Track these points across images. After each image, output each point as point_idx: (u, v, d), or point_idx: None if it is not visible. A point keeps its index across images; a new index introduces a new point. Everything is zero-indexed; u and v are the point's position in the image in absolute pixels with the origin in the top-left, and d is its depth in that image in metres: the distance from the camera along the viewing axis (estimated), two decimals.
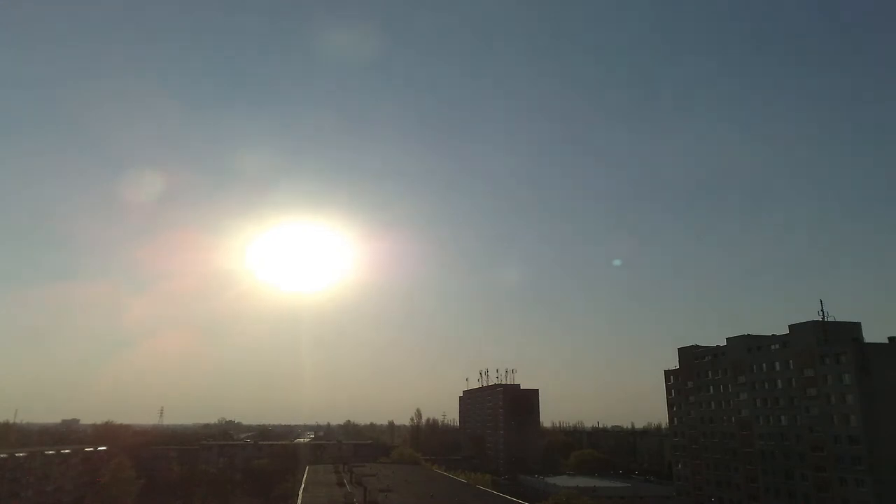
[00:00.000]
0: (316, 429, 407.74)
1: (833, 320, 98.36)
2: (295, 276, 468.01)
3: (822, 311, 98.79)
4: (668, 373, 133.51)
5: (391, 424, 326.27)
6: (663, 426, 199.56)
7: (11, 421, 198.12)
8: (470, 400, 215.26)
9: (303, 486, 59.22)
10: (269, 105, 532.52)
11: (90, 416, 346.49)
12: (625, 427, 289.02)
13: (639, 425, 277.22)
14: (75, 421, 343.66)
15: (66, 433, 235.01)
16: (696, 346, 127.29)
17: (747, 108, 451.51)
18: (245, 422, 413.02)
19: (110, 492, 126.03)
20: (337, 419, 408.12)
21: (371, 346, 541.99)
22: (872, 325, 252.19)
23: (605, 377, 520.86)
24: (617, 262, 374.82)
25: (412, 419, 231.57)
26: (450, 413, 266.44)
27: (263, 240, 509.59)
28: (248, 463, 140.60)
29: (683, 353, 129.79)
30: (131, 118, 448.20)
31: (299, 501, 49.37)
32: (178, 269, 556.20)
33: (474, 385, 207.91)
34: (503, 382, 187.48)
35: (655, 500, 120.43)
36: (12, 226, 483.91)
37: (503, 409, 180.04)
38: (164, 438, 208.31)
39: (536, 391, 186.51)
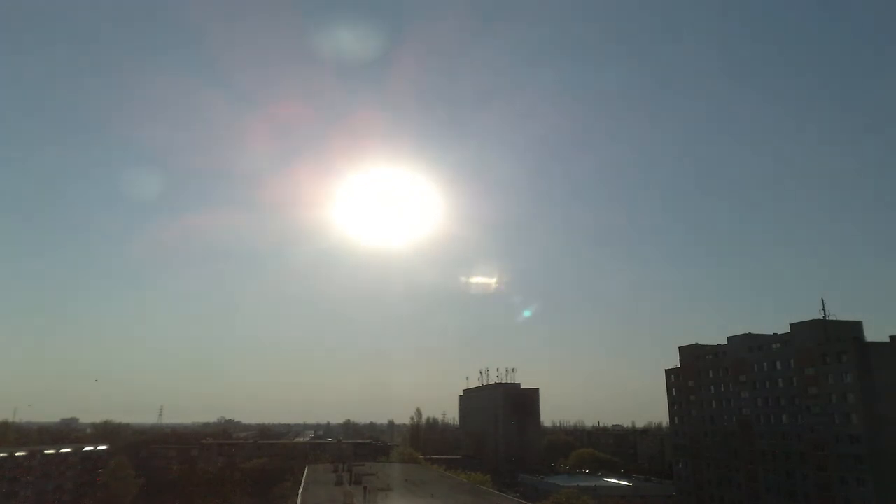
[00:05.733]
0: (315, 428, 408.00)
1: (834, 319, 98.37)
2: (288, 276, 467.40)
3: (823, 309, 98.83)
4: (668, 372, 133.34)
5: (391, 423, 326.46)
6: (664, 425, 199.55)
7: (10, 420, 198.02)
8: (470, 399, 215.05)
9: (302, 485, 58.81)
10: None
11: (89, 414, 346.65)
12: (625, 426, 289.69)
13: (639, 424, 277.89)
14: (74, 420, 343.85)
15: (66, 432, 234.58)
16: (697, 345, 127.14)
17: (747, 106, 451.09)
18: (244, 420, 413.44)
19: (110, 491, 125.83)
20: (336, 418, 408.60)
21: (370, 345, 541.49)
22: (874, 323, 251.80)
23: (606, 376, 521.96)
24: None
25: (412, 418, 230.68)
26: (450, 412, 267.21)
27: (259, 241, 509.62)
28: (247, 462, 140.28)
29: (684, 351, 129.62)
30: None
31: (298, 501, 48.98)
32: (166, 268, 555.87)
33: (474, 384, 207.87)
34: (503, 382, 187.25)
35: (656, 499, 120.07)
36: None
37: (503, 408, 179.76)
38: (163, 437, 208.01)
39: (537, 390, 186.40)
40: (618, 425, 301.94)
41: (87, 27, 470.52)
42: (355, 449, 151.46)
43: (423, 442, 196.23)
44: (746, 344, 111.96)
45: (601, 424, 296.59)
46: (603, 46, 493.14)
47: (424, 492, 55.52)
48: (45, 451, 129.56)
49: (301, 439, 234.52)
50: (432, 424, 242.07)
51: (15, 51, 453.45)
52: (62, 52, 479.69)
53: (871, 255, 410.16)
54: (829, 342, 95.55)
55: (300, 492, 53.82)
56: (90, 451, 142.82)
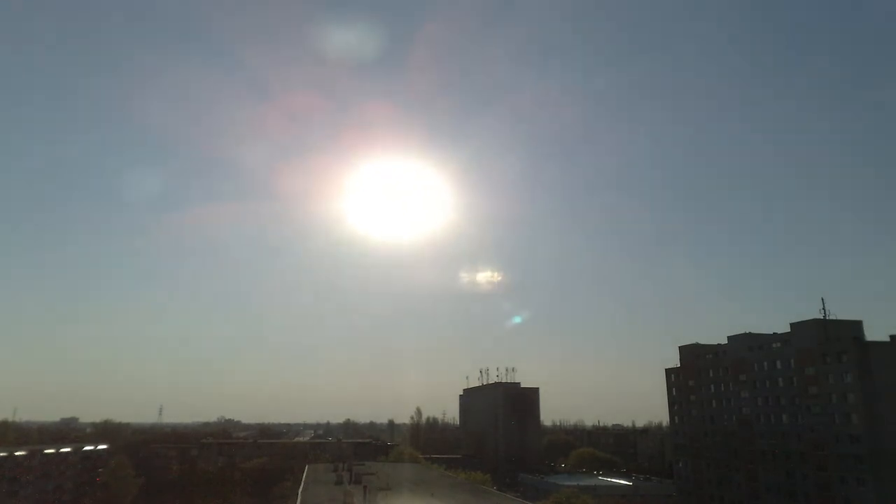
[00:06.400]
0: (315, 427, 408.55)
1: (834, 319, 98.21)
2: (288, 276, 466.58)
3: (823, 309, 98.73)
4: (669, 371, 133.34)
5: (391, 423, 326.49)
6: (664, 425, 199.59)
7: (10, 419, 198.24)
8: (470, 398, 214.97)
9: (302, 484, 58.78)
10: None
11: (89, 414, 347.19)
12: (625, 426, 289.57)
13: (639, 424, 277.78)
14: (74, 419, 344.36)
15: (66, 431, 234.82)
16: (698, 345, 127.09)
17: (746, 106, 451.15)
18: (244, 420, 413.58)
19: (109, 490, 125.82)
20: (336, 417, 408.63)
21: (371, 344, 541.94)
22: (874, 323, 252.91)
23: (606, 376, 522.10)
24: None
25: (412, 418, 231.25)
26: (450, 411, 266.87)
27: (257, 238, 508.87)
28: (247, 462, 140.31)
29: (685, 351, 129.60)
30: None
31: (298, 500, 48.94)
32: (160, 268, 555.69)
33: (474, 383, 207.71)
34: (503, 381, 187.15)
35: (656, 498, 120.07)
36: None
37: (503, 407, 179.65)
38: (163, 437, 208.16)
39: (537, 389, 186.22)
40: (618, 425, 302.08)
41: (101, 18, 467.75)
42: (355, 448, 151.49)
43: (423, 441, 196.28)
44: (746, 343, 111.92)
45: (601, 424, 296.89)
46: (617, 41, 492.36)
47: (425, 491, 55.51)
48: (46, 451, 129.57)
49: (301, 439, 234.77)
50: (432, 424, 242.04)
51: (26, 41, 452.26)
52: (73, 43, 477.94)
53: (871, 255, 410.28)
54: (829, 342, 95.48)
55: (300, 491, 53.80)
56: (90, 450, 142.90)
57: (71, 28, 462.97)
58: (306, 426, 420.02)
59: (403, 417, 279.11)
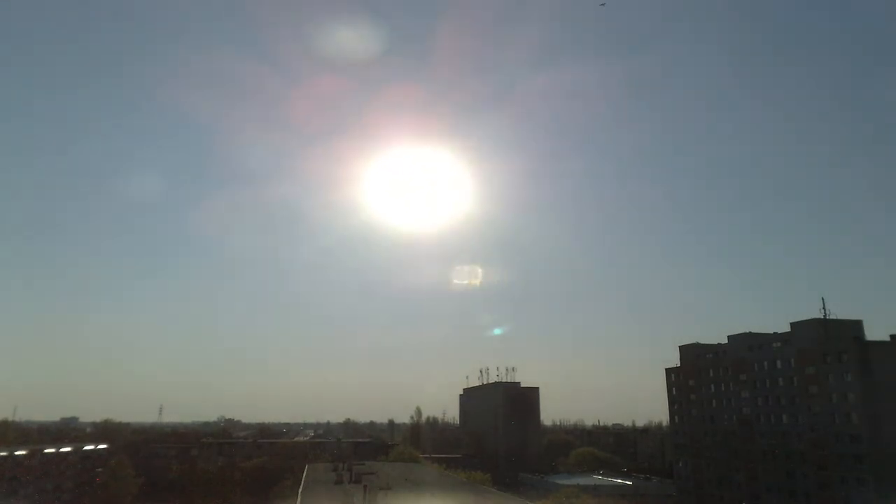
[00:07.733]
0: (315, 427, 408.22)
1: (835, 318, 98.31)
2: (288, 274, 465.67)
3: (823, 308, 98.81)
4: (669, 371, 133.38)
5: (391, 423, 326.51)
6: (664, 424, 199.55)
7: (10, 419, 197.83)
8: (470, 398, 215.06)
9: (302, 484, 58.81)
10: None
11: (89, 413, 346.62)
12: (625, 425, 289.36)
13: (640, 423, 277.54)
14: (74, 419, 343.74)
15: (66, 431, 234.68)
16: (698, 344, 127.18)
17: (746, 103, 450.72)
18: (244, 420, 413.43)
19: (109, 490, 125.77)
20: (336, 417, 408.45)
21: (371, 343, 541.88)
22: (874, 322, 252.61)
23: (606, 375, 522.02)
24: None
25: (412, 417, 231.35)
26: (450, 411, 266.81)
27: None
28: (247, 461, 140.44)
29: (685, 351, 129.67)
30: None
31: (298, 500, 48.96)
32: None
33: (474, 383, 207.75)
34: (503, 381, 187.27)
35: (656, 498, 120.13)
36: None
37: (503, 407, 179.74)
38: (163, 436, 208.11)
39: (537, 389, 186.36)
40: (618, 424, 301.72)
41: (108, 11, 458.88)
42: (355, 448, 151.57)
43: (424, 441, 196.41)
44: (747, 343, 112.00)
45: (601, 423, 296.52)
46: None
47: (425, 491, 55.55)
48: (46, 450, 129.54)
49: (301, 438, 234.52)
50: (432, 423, 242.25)
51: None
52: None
53: (871, 254, 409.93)
54: (829, 341, 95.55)
55: (300, 491, 53.83)
56: (90, 450, 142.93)
57: (83, 22, 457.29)
58: (306, 426, 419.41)
59: (403, 417, 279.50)
